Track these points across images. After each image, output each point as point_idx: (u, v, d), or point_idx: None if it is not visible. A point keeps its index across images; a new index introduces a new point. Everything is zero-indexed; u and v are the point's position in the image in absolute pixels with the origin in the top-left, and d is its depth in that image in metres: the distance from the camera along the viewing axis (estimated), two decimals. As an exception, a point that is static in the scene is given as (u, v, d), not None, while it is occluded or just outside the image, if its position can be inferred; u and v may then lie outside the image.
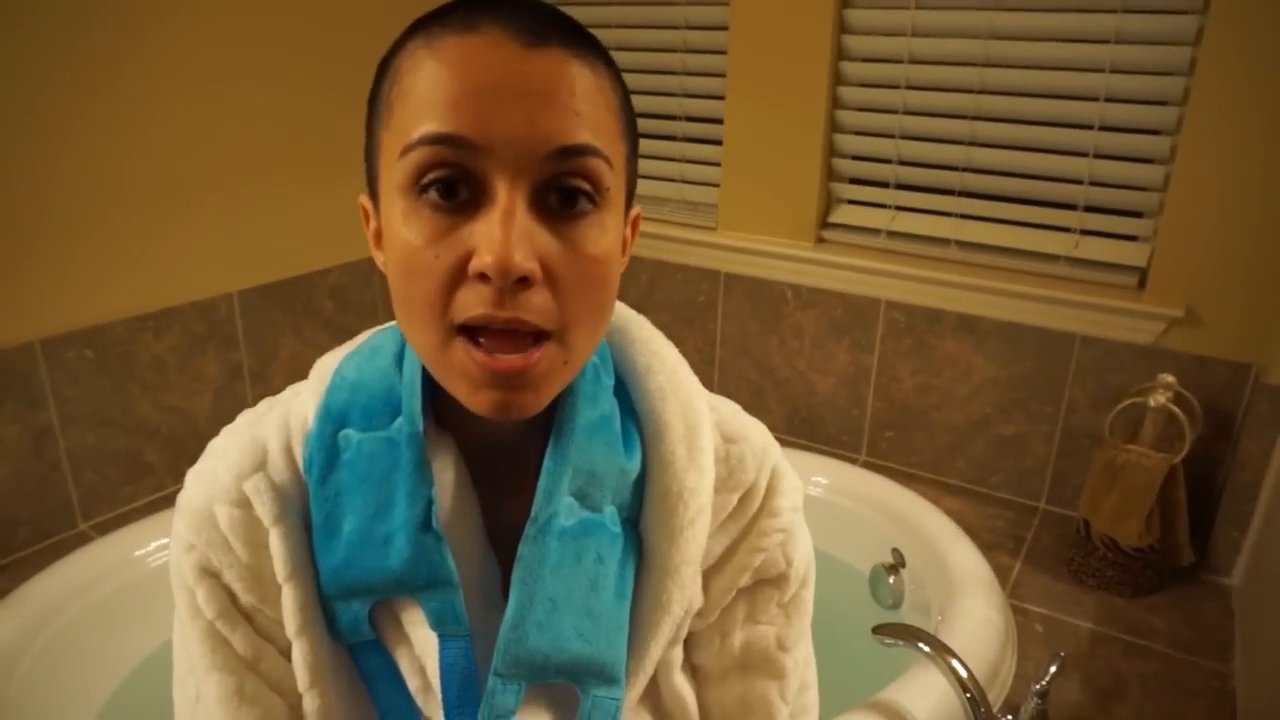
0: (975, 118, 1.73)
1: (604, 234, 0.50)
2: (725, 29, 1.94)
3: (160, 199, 1.68)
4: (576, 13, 2.15)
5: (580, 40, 0.49)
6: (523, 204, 0.47)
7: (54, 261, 1.54)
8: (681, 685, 0.62)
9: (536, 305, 0.47)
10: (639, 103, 2.12)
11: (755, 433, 0.63)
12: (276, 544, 0.54)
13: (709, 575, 0.62)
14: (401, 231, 0.48)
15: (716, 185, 2.06)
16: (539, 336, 0.48)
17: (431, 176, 0.47)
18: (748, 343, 2.09)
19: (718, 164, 2.05)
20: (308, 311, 2.00)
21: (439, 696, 0.53)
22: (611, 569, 0.55)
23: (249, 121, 1.79)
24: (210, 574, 0.55)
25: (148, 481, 1.72)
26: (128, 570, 1.46)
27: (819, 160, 1.90)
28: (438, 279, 0.47)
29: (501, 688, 0.51)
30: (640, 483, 0.58)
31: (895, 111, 1.81)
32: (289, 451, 0.56)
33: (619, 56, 2.08)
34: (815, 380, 2.02)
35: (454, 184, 0.47)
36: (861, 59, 1.84)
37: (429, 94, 0.46)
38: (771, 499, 0.62)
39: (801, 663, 0.66)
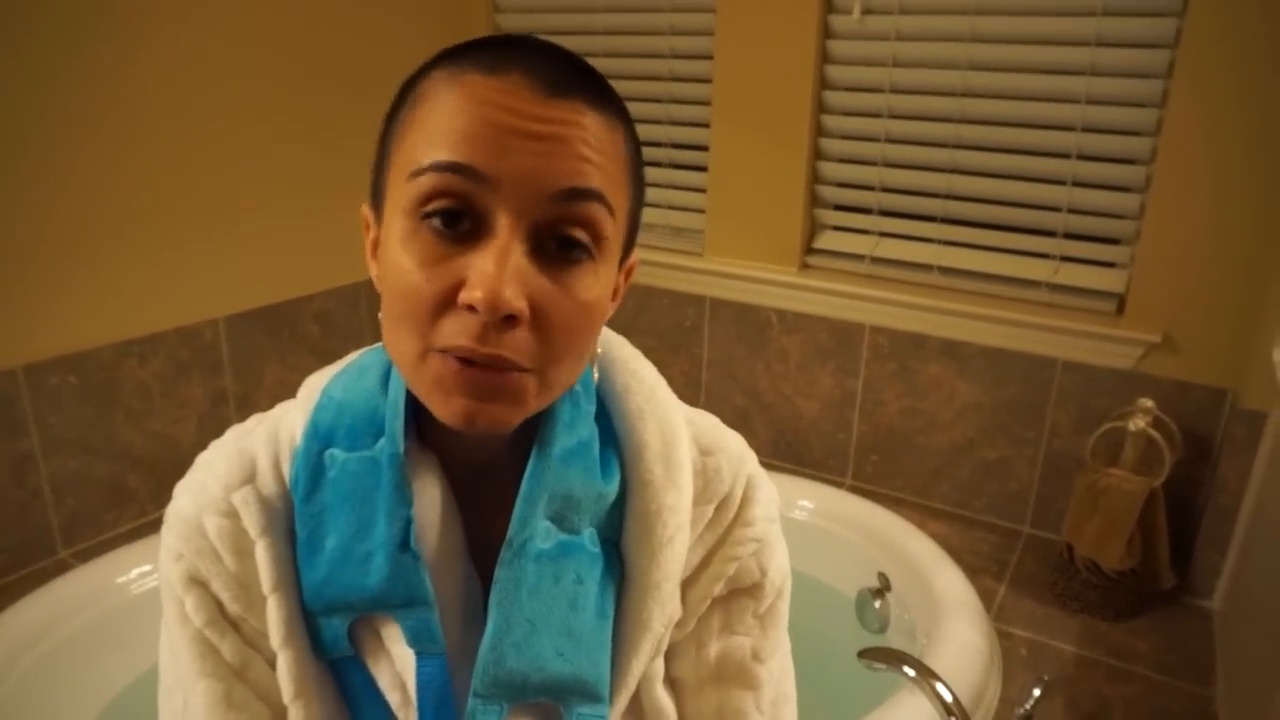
0: (956, 146, 1.76)
1: (596, 282, 0.51)
2: (710, 58, 1.97)
3: (146, 225, 1.68)
4: (563, 42, 2.17)
5: (600, 94, 0.51)
6: (520, 243, 0.48)
7: (38, 287, 1.53)
8: (663, 698, 0.62)
9: (520, 343, 0.48)
10: (625, 130, 2.14)
11: (732, 444, 0.64)
12: (263, 556, 0.55)
13: (686, 585, 0.62)
14: (399, 251, 0.49)
15: (702, 211, 2.08)
16: (517, 368, 0.49)
17: (436, 205, 0.48)
18: (734, 367, 2.10)
19: (703, 190, 2.07)
20: (293, 337, 2.00)
21: (418, 713, 0.53)
22: (592, 589, 0.55)
23: (235, 149, 1.80)
24: (198, 583, 0.56)
25: (130, 508, 1.71)
26: (108, 598, 1.45)
27: (803, 187, 1.92)
28: (426, 302, 0.48)
29: (482, 708, 0.52)
30: (620, 503, 0.58)
31: (878, 140, 1.84)
32: (277, 466, 0.57)
33: (605, 85, 2.11)
34: (801, 404, 2.04)
35: (457, 214, 0.48)
36: (844, 88, 1.87)
37: (446, 123, 0.48)
38: (746, 509, 0.63)
39: (778, 674, 0.67)
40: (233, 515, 0.56)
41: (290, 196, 1.93)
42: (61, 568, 1.57)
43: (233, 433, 0.61)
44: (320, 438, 0.56)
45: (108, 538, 1.67)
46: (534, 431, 0.56)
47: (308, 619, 0.56)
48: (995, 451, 1.83)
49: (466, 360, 0.48)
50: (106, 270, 1.63)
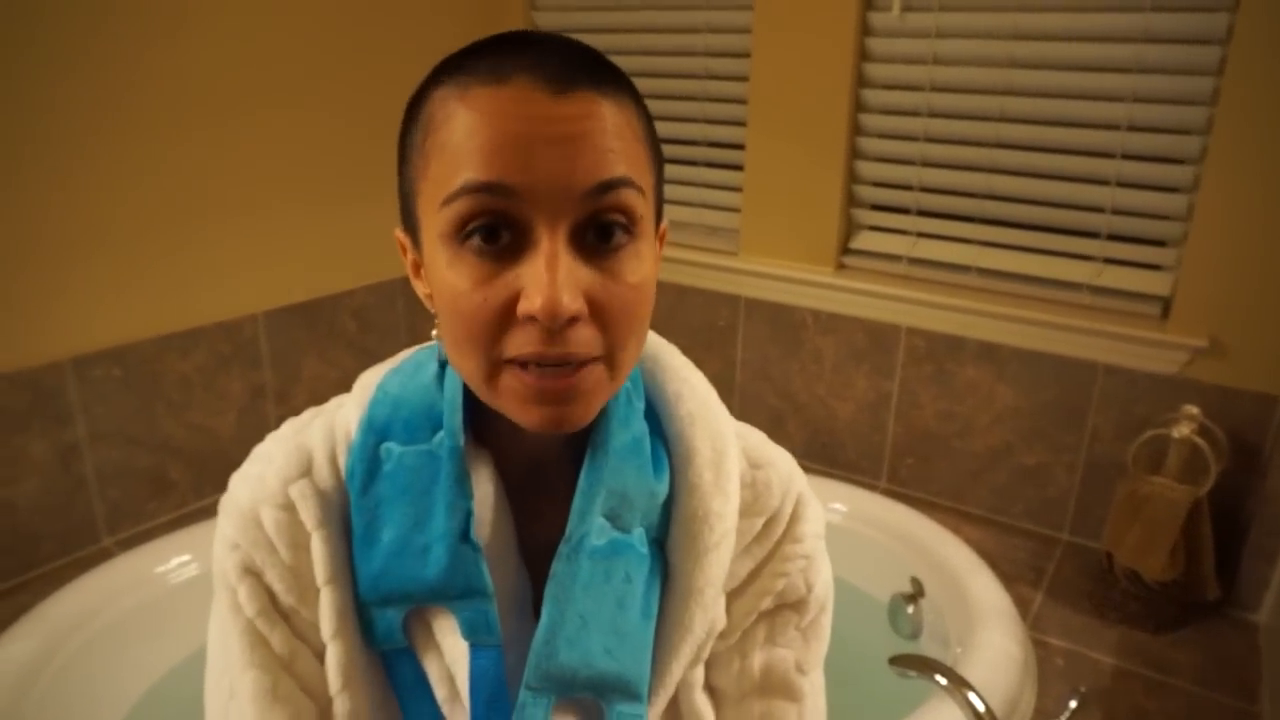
0: (996, 145, 1.73)
1: (641, 262, 0.52)
2: (747, 56, 1.96)
3: (189, 221, 1.71)
4: (599, 40, 2.18)
5: (605, 78, 0.51)
6: (564, 244, 0.48)
7: (85, 282, 1.57)
8: (702, 704, 0.63)
9: (584, 339, 0.49)
10: (658, 130, 2.14)
11: (781, 460, 0.65)
12: (318, 548, 0.56)
13: (732, 598, 0.63)
14: (448, 276, 0.50)
15: (738, 211, 2.07)
16: (586, 361, 0.50)
17: (474, 225, 0.48)
18: (768, 367, 2.09)
19: (739, 189, 2.06)
20: (331, 332, 2.02)
21: (466, 707, 0.54)
22: (638, 589, 0.56)
23: (276, 145, 1.83)
24: (252, 573, 0.57)
25: (171, 498, 1.74)
26: (148, 587, 1.48)
27: (840, 186, 1.90)
28: (486, 321, 0.49)
29: (532, 700, 0.53)
30: (668, 505, 0.59)
31: (916, 139, 1.82)
32: (333, 460, 0.58)
33: (641, 83, 2.10)
34: (835, 406, 2.02)
35: (496, 229, 0.48)
36: (883, 86, 1.84)
37: (466, 144, 0.48)
38: (796, 525, 0.63)
39: (817, 687, 0.67)
40: (289, 508, 0.57)
41: (329, 194, 1.96)
42: (104, 555, 1.61)
43: (289, 426, 0.62)
44: (376, 431, 0.57)
45: (148, 527, 1.71)
46: (587, 430, 0.56)
47: (360, 611, 0.57)
48: (1034, 457, 1.80)
49: (537, 364, 0.49)
50: (149, 265, 1.66)
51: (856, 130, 1.89)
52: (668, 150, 2.14)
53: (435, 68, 0.52)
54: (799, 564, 0.63)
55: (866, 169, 1.90)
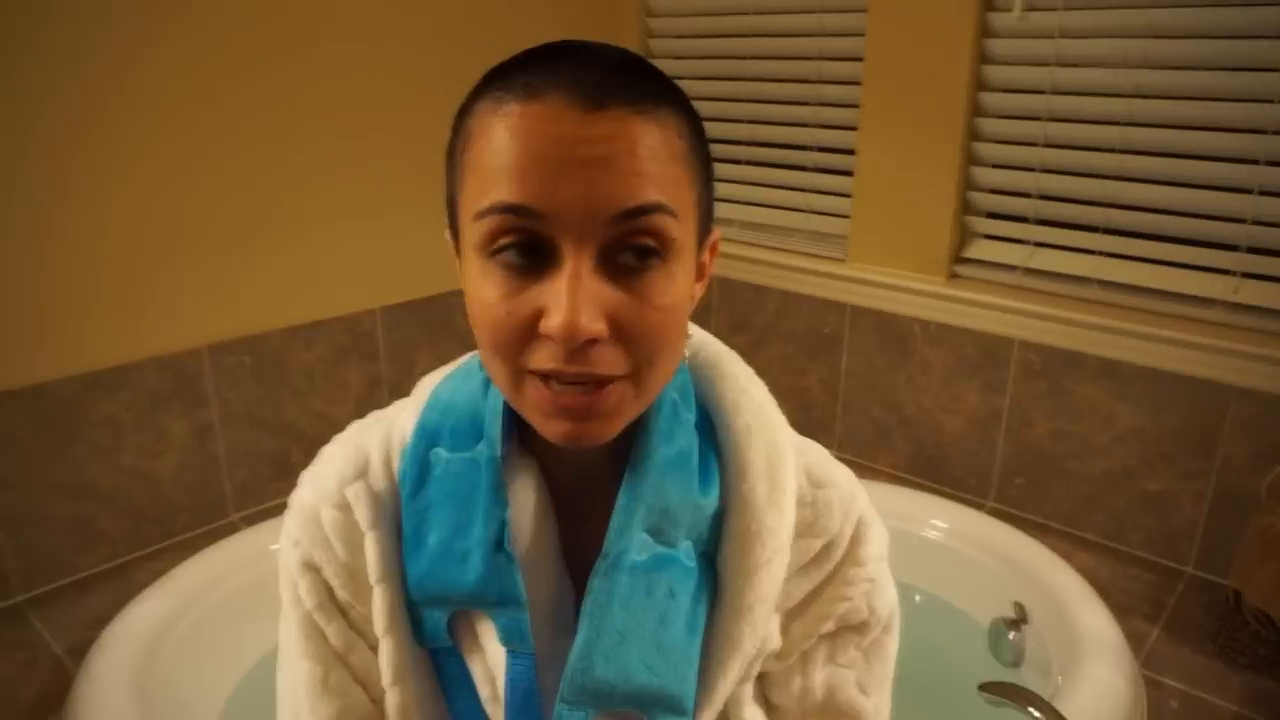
0: (1124, 151, 1.63)
1: (672, 284, 0.51)
2: (860, 59, 1.92)
3: (315, 220, 1.82)
4: (711, 45, 2.19)
5: (643, 93, 0.49)
6: (589, 265, 0.48)
7: (221, 275, 1.70)
8: (753, 718, 0.62)
9: (606, 358, 0.49)
10: (768, 134, 2.13)
11: (843, 479, 0.63)
12: (371, 548, 0.58)
13: (789, 618, 0.62)
14: (479, 286, 0.51)
15: (846, 216, 2.04)
16: (609, 379, 0.50)
17: (502, 242, 0.49)
18: (874, 378, 2.04)
19: (848, 195, 2.02)
20: (444, 329, 2.11)
21: (505, 709, 0.55)
22: (684, 603, 0.55)
23: (396, 150, 1.92)
24: (312, 568, 0.60)
25: (292, 480, 1.82)
26: (264, 563, 1.59)
27: (954, 193, 1.84)
28: (510, 333, 0.50)
29: (568, 713, 0.53)
30: (719, 519, 0.58)
31: (1036, 144, 1.73)
32: (388, 463, 0.60)
33: (751, 87, 2.10)
34: (943, 420, 1.95)
35: (524, 246, 0.49)
36: (1001, 89, 1.77)
37: (496, 163, 0.49)
38: (857, 547, 0.62)
39: (882, 711, 0.65)
40: (345, 508, 0.59)
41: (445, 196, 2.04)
42: (232, 529, 1.74)
43: (353, 428, 0.64)
44: (427, 437, 0.59)
45: (271, 505, 1.83)
46: (629, 444, 0.56)
47: (410, 609, 0.58)
48: (1157, 483, 1.69)
49: (558, 378, 0.49)
50: (279, 261, 1.79)
51: (973, 135, 1.82)
52: (775, 156, 2.13)
53: (481, 79, 0.53)
54: (862, 587, 0.62)
55: (982, 175, 1.83)
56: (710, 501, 0.57)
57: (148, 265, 1.60)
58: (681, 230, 0.51)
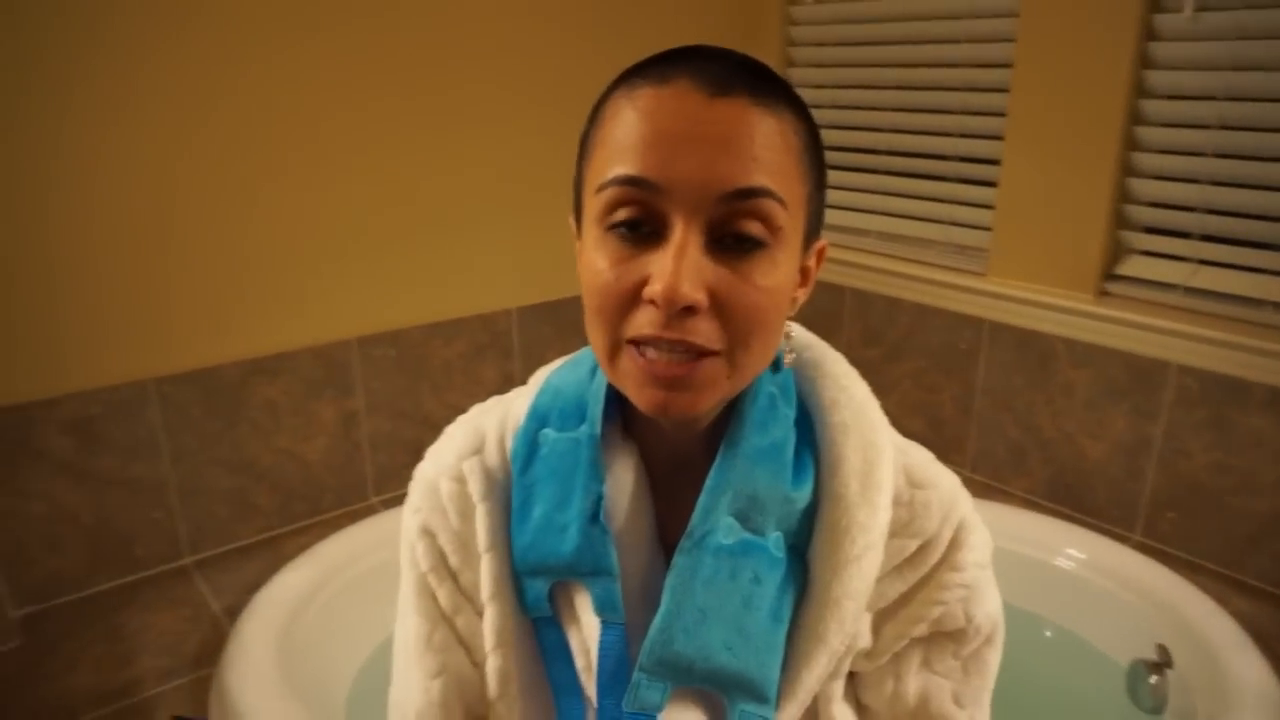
0: (1306, 162, 1.50)
1: (775, 268, 0.53)
2: (1009, 66, 1.85)
3: (458, 223, 1.92)
4: (853, 53, 2.15)
5: (766, 89, 0.52)
6: (696, 240, 0.51)
7: (369, 273, 1.82)
8: (842, 717, 0.62)
9: (703, 330, 0.51)
10: (908, 143, 2.08)
11: (945, 482, 0.62)
12: (481, 518, 0.62)
13: (881, 618, 0.62)
14: (593, 255, 0.54)
15: (987, 229, 1.96)
16: (704, 353, 0.52)
17: (620, 214, 0.52)
18: (1010, 397, 1.95)
19: (990, 207, 1.94)
20: (575, 330, 2.16)
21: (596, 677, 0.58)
22: (769, 591, 0.56)
23: (534, 155, 1.99)
24: (429, 534, 0.64)
25: (428, 468, 1.96)
26: (398, 545, 1.68)
27: (1107, 206, 1.74)
28: (616, 298, 0.53)
29: (646, 683, 0.55)
30: (811, 513, 0.59)
31: (1203, 154, 1.62)
32: (501, 442, 0.65)
33: (894, 96, 2.06)
34: (1085, 445, 1.84)
35: (638, 219, 0.52)
36: (1166, 96, 1.66)
37: (623, 139, 0.52)
38: (955, 552, 0.61)
39: None
40: (461, 480, 0.63)
41: (583, 202, 2.10)
42: (370, 511, 1.85)
43: (475, 410, 0.69)
44: (538, 418, 0.63)
45: (406, 492, 1.93)
46: (726, 426, 0.59)
47: (516, 579, 0.62)
48: (1333, 527, 1.53)
49: (654, 344, 0.52)
50: (425, 260, 1.89)
51: (1131, 144, 1.71)
52: (915, 165, 2.07)
53: (620, 74, 0.57)
54: (958, 593, 0.61)
55: (1140, 187, 1.72)
56: (802, 495, 0.58)
57: (307, 261, 1.73)
58: (788, 220, 0.53)
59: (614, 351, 0.54)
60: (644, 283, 0.51)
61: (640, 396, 0.54)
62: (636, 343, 0.53)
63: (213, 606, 1.57)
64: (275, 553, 1.71)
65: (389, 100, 1.76)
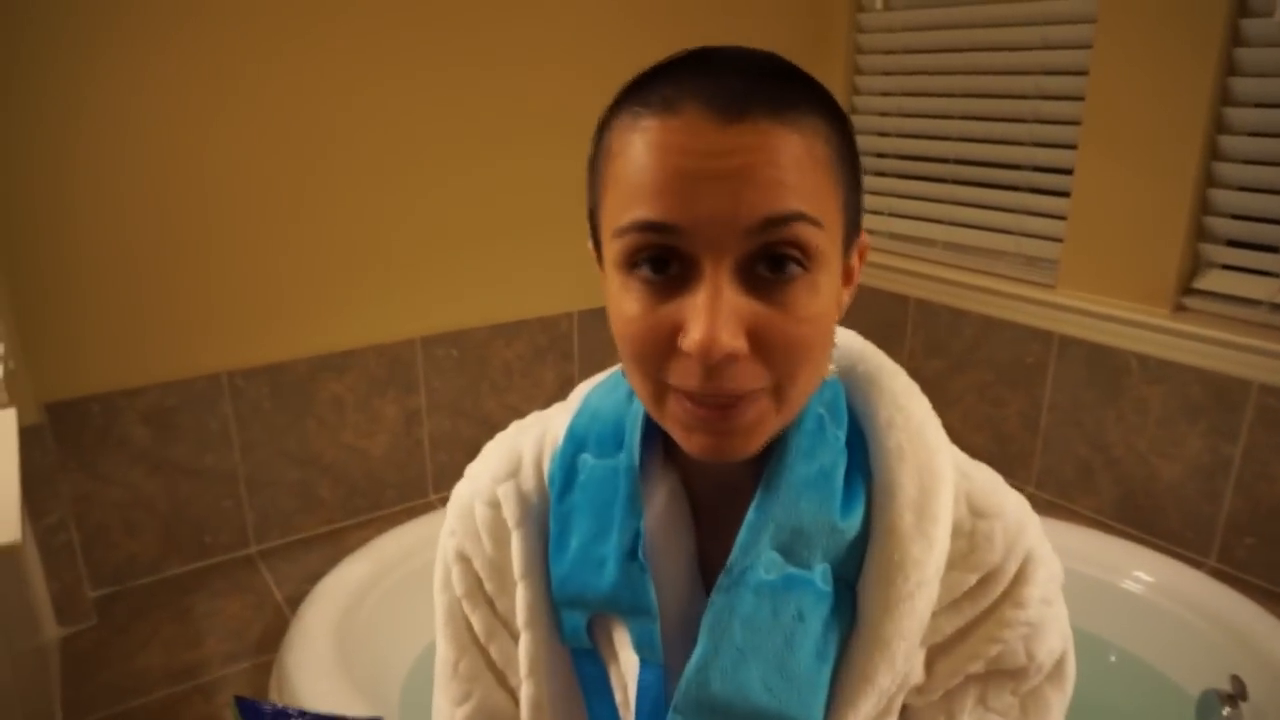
0: (1404, 174, 1.43)
1: (815, 295, 0.49)
2: (1084, 73, 1.80)
3: (521, 226, 1.95)
4: (922, 61, 2.12)
5: (784, 100, 0.47)
6: (729, 278, 0.47)
7: (434, 275, 1.86)
8: None
9: (746, 374, 0.48)
10: (978, 152, 2.03)
11: (1011, 510, 0.58)
12: (516, 546, 0.60)
13: (935, 653, 0.58)
14: (620, 300, 0.50)
15: (1059, 240, 1.91)
16: (750, 392, 0.49)
17: (642, 258, 0.49)
18: (1079, 413, 1.89)
19: (1062, 218, 1.89)
20: (634, 335, 2.18)
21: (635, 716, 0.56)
22: (814, 628, 0.53)
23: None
24: (464, 558, 0.62)
25: (486, 468, 1.99)
26: (457, 539, 1.71)
27: (1185, 218, 1.68)
28: (651, 347, 0.49)
29: None
30: (862, 544, 0.55)
31: (1292, 165, 1.55)
32: (538, 464, 0.62)
33: (965, 104, 2.02)
34: (1158, 465, 1.78)
35: (663, 261, 0.48)
36: (1253, 104, 1.59)
37: (635, 179, 0.48)
38: (1020, 587, 0.56)
39: None
40: (495, 505, 0.61)
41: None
42: (429, 508, 1.89)
43: (514, 427, 0.66)
44: (576, 441, 0.59)
45: (466, 490, 1.97)
46: (771, 454, 0.54)
47: (553, 608, 0.59)
48: None
49: (694, 398, 0.48)
50: (488, 263, 1.92)
51: (1213, 154, 1.65)
52: (985, 175, 2.03)
53: (620, 90, 0.53)
54: (1020, 630, 0.56)
55: (1223, 199, 1.65)
56: (851, 525, 0.54)
57: (377, 262, 1.78)
58: (825, 239, 0.49)
59: (659, 397, 0.51)
60: (677, 330, 0.48)
61: (689, 442, 0.51)
62: (680, 389, 0.50)
63: (276, 595, 1.62)
64: (336, 545, 1.75)
65: (465, 109, 1.80)
